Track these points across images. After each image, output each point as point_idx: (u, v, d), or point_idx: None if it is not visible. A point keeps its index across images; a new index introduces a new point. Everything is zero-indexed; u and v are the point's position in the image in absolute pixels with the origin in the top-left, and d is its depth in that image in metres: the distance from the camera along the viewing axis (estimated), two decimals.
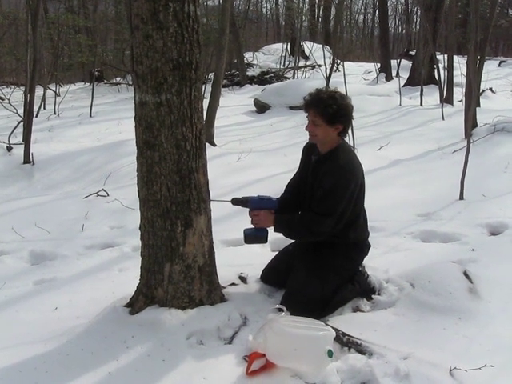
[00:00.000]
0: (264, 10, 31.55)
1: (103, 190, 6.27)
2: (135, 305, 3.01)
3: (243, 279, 3.47)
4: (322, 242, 3.13)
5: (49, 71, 15.09)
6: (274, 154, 8.15)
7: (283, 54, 18.66)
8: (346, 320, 2.95)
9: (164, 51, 2.61)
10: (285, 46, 19.08)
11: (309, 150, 3.27)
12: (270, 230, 3.17)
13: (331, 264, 3.10)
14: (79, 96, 16.39)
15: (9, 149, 9.41)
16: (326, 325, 2.69)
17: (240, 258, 3.92)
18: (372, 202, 5.14)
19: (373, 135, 8.88)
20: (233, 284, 3.36)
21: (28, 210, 5.88)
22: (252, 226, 3.14)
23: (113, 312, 3.07)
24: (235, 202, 3.12)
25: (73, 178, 8.22)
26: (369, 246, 3.29)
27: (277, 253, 3.57)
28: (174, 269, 2.88)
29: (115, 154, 9.23)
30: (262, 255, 3.93)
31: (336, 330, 2.69)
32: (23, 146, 8.90)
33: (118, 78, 18.90)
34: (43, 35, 16.38)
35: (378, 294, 3.22)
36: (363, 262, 3.33)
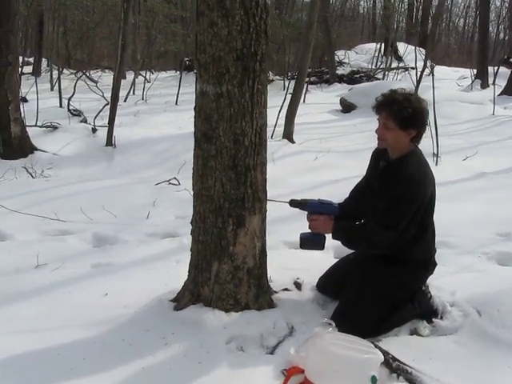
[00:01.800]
0: (361, 9, 30.95)
1: (175, 178, 6.27)
2: (181, 301, 2.92)
3: (298, 285, 3.30)
4: (383, 256, 2.90)
5: (141, 58, 15.46)
6: (354, 155, 7.87)
7: (375, 54, 18.18)
8: (401, 343, 2.72)
9: (228, 40, 2.48)
10: (378, 46, 18.57)
11: (378, 155, 3.05)
12: (329, 236, 2.98)
13: (391, 280, 2.87)
14: (169, 84, 16.70)
15: (94, 130, 9.70)
16: (376, 346, 2.48)
17: (298, 262, 3.74)
18: (448, 216, 4.85)
19: (460, 144, 8.39)
20: (285, 289, 3.19)
21: (100, 192, 5.98)
22: (309, 231, 2.97)
23: (158, 305, 3.00)
24: (293, 204, 2.95)
25: (151, 163, 8.34)
26: (435, 264, 3.03)
27: (337, 260, 3.37)
28: (221, 268, 2.76)
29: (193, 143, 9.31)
30: (322, 261, 3.72)
31: (386, 353, 2.48)
32: (107, 128, 9.13)
33: None
34: (139, 23, 16.84)
35: (441, 318, 2.95)
36: (427, 281, 3.08)
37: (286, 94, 8.95)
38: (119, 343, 2.72)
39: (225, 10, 2.44)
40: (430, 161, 6.98)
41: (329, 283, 3.19)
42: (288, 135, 8.07)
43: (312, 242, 2.96)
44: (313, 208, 2.91)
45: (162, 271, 3.71)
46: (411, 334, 2.87)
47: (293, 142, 8.15)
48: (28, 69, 17.55)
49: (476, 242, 4.33)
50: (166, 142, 9.17)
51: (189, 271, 2.93)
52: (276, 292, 3.12)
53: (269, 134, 8.93)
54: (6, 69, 8.20)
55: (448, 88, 13.16)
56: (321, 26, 15.79)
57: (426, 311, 2.96)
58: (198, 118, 2.67)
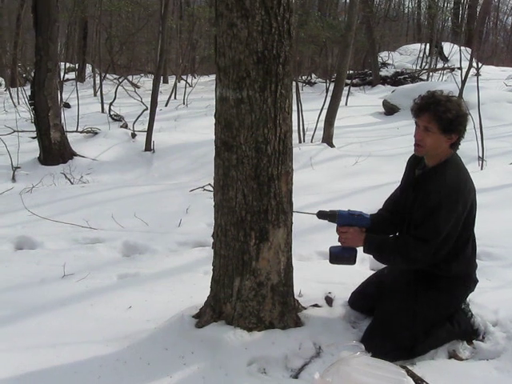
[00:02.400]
0: (405, 10, 30.27)
1: (210, 184, 6.15)
2: (202, 317, 2.77)
3: (329, 300, 3.11)
4: (419, 271, 2.69)
5: (183, 62, 15.49)
6: (395, 159, 7.59)
7: (420, 55, 17.70)
8: (436, 367, 2.49)
9: (248, 42, 2.31)
10: (423, 46, 18.08)
11: (414, 162, 2.84)
12: (360, 249, 2.79)
13: (427, 298, 2.66)
14: (210, 88, 16.63)
15: (133, 136, 9.71)
16: (408, 372, 2.28)
17: (332, 275, 3.54)
18: (492, 224, 4.55)
19: (506, 147, 7.97)
20: (315, 305, 3.00)
21: (134, 198, 5.91)
22: (339, 244, 2.77)
23: (179, 322, 2.86)
24: (321, 215, 2.76)
25: (188, 168, 8.28)
26: (476, 281, 2.79)
27: (372, 273, 3.17)
28: (244, 284, 2.60)
29: None
30: (357, 274, 3.51)
31: (420, 380, 2.27)
32: (146, 133, 9.11)
33: None
34: (181, 28, 16.88)
35: (482, 339, 2.72)
36: (468, 298, 2.85)
37: (325, 97, 8.74)
38: (136, 361, 2.62)
39: (244, 11, 2.28)
40: (475, 165, 6.68)
41: (361, 299, 2.99)
42: (327, 139, 7.86)
43: (342, 256, 2.76)
44: (342, 220, 2.71)
45: (189, 283, 3.58)
46: (449, 357, 2.64)
47: (332, 145, 7.93)
48: (72, 75, 17.92)
49: None
50: (205, 146, 9.02)
51: (211, 286, 2.78)
52: (305, 308, 2.94)
53: (308, 138, 8.82)
54: (45, 75, 8.28)
55: (495, 88, 12.63)
56: (363, 27, 15.48)
57: (466, 332, 2.74)
58: (218, 125, 2.52)
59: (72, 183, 7.75)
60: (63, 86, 12.75)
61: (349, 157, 7.41)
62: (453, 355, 2.64)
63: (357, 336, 2.72)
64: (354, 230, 2.70)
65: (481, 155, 6.58)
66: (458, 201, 2.52)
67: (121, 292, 3.52)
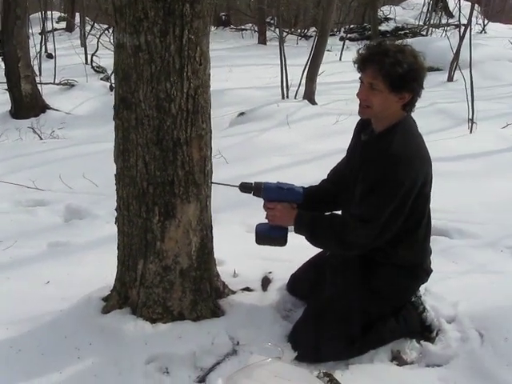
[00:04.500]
0: None
1: None
2: (109, 302, 2.39)
3: (266, 283, 2.71)
4: (362, 256, 2.27)
5: None
6: None
7: (424, 10, 16.84)
8: (370, 373, 2.09)
9: None
10: (427, 0, 17.21)
11: (361, 128, 2.39)
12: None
13: (367, 289, 2.24)
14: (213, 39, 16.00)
15: (111, 88, 9.23)
16: (332, 381, 1.90)
17: (279, 250, 3.10)
18: (471, 196, 4.10)
19: (501, 109, 7.33)
20: (246, 289, 2.61)
21: (92, 157, 5.47)
22: (267, 222, 2.35)
23: (85, 305, 2.48)
24: (244, 188, 2.29)
25: None
26: (429, 270, 2.37)
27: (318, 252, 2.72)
28: (148, 268, 2.20)
29: (213, 102, 8.66)
30: (310, 250, 3.05)
31: None
32: None
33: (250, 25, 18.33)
34: None
35: (435, 337, 2.31)
36: (423, 288, 2.45)
37: (311, 51, 8.15)
38: (32, 350, 2.29)
39: None
40: (464, 128, 6.18)
41: (299, 284, 2.59)
42: (309, 96, 7.35)
43: (269, 236, 2.31)
44: (268, 194, 2.27)
45: None
46: (392, 359, 2.24)
47: (314, 103, 7.40)
48: (64, 25, 17.27)
49: (502, 231, 3.53)
50: None
51: (117, 267, 2.39)
52: (233, 292, 2.55)
53: (292, 94, 8.29)
54: (14, 23, 7.77)
55: (498, 46, 11.90)
56: None
57: (414, 329, 2.32)
58: (116, 78, 2.08)
59: (41, 138, 7.33)
60: (51, 36, 12.24)
61: (330, 115, 6.83)
62: (396, 357, 2.23)
63: (285, 330, 2.32)
64: (283, 207, 2.26)
65: (471, 117, 6.06)
66: (405, 175, 2.06)
67: (44, 264, 3.17)
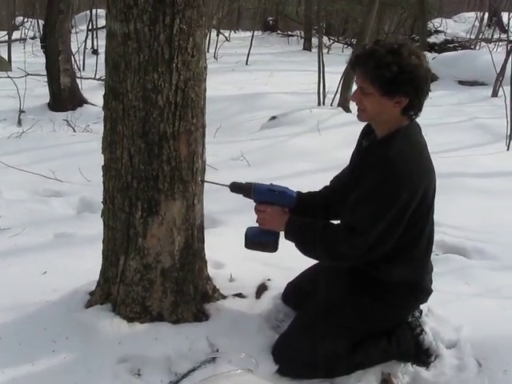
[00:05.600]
0: None
1: None
2: (92, 297, 2.33)
3: (261, 290, 2.59)
4: (358, 270, 2.13)
5: (216, 15, 14.91)
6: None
7: (476, 24, 16.41)
8: None
9: None
10: (480, 14, 16.76)
11: (365, 134, 2.26)
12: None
13: (358, 305, 2.10)
14: (247, 43, 16.03)
15: None
16: None
17: (282, 256, 2.97)
18: (497, 216, 3.86)
19: None
20: (238, 295, 2.50)
21: None
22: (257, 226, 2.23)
23: (71, 297, 2.44)
24: (235, 188, 2.18)
25: None
26: (428, 290, 2.19)
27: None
28: (128, 265, 2.12)
29: (248, 105, 8.63)
30: None
31: None
32: None
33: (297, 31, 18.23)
34: None
35: (434, 360, 2.15)
36: (426, 308, 2.29)
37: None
38: (11, 340, 2.26)
39: None
40: (502, 144, 5.92)
41: (293, 293, 2.46)
42: (343, 103, 7.19)
43: (258, 241, 2.19)
44: (258, 196, 2.15)
45: None
46: (382, 381, 2.09)
47: (348, 110, 7.24)
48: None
49: None
50: (221, 102, 8.51)
51: (102, 262, 2.33)
52: (224, 297, 2.44)
53: (328, 101, 8.16)
54: (57, 17, 7.88)
55: None
56: None
57: (407, 352, 2.16)
58: (107, 66, 2.02)
59: (75, 131, 7.42)
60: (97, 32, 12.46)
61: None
62: (386, 380, 2.08)
63: (271, 341, 2.19)
64: (274, 210, 2.14)
65: (509, 134, 5.80)
66: (401, 184, 1.91)
67: (45, 254, 3.15)
